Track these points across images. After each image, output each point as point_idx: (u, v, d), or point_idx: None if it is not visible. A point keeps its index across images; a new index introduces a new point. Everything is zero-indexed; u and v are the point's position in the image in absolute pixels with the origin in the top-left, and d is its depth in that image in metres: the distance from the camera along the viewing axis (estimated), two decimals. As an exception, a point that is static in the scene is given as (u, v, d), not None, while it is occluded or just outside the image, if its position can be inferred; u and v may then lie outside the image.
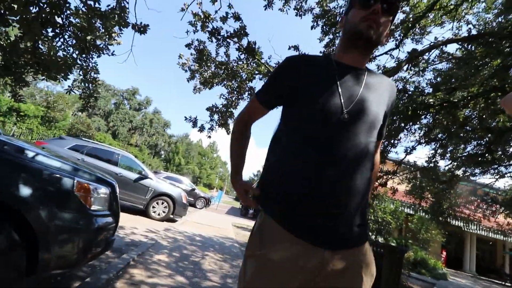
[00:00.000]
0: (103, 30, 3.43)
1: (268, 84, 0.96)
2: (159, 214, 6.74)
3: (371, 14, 0.81)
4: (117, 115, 44.54)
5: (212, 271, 3.68)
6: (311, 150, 0.78)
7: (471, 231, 15.87)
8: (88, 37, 3.28)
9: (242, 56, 5.07)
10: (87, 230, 1.89)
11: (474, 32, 5.26)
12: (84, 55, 3.52)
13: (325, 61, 0.90)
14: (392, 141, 6.05)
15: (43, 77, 3.20)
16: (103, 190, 2.16)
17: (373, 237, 7.71)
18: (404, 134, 6.74)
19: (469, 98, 4.21)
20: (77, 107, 32.85)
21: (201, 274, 3.39)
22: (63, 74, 3.16)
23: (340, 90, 0.82)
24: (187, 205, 7.67)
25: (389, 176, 6.76)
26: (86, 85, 3.76)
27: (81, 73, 3.69)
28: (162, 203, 6.82)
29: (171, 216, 6.91)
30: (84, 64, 3.61)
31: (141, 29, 3.64)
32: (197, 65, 5.38)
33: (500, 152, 6.43)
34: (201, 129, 5.65)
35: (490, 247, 20.43)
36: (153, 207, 6.72)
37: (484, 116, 4.79)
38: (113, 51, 3.83)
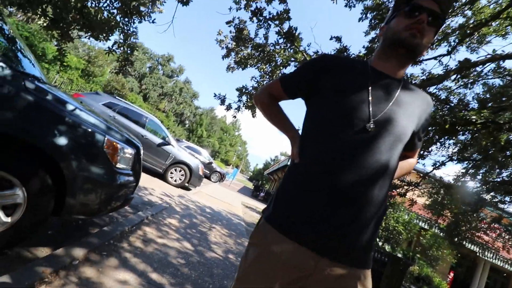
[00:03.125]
0: (148, -3, 3.49)
1: (296, 74, 0.95)
2: (175, 181, 7.06)
3: (416, 23, 0.79)
4: (150, 78, 45.86)
5: (216, 243, 3.86)
6: (330, 155, 0.77)
7: (486, 258, 15.09)
8: (134, 3, 3.36)
9: (281, 41, 4.95)
10: (110, 185, 2.04)
11: (541, 49, 4.69)
12: (126, 19, 3.62)
13: (361, 66, 0.87)
14: (421, 152, 5.77)
15: (87, 36, 3.36)
16: (129, 151, 2.29)
17: (380, 243, 7.59)
18: (436, 147, 6.38)
19: (517, 121, 3.85)
20: (115, 66, 34.12)
21: (206, 244, 3.57)
22: (105, 35, 3.29)
23: (370, 98, 0.80)
24: (203, 176, 7.95)
25: (410, 187, 6.51)
26: (126, 49, 3.91)
27: (122, 36, 3.82)
28: (180, 171, 7.11)
29: (186, 184, 7.22)
30: (126, 28, 3.73)
31: (184, 0, 3.66)
32: (234, 43, 5.33)
33: (539, 185, 5.92)
34: (228, 107, 5.70)
35: (503, 279, 19.41)
36: (171, 173, 7.04)
37: (530, 143, 4.39)
38: (154, 19, 3.90)
